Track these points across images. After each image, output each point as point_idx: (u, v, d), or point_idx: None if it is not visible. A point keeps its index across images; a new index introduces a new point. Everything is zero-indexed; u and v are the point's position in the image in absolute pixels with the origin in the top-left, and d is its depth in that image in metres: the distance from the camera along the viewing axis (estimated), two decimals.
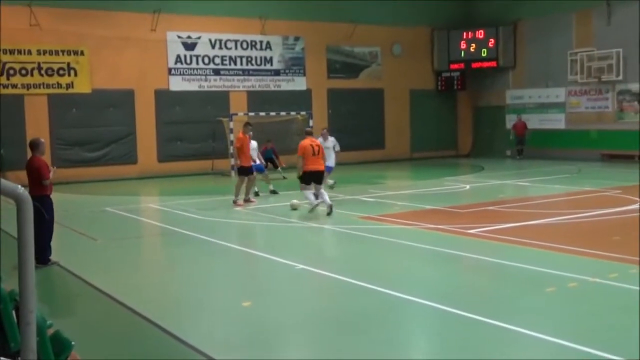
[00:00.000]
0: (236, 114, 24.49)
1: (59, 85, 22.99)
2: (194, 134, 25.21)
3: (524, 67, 29.43)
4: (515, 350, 5.86)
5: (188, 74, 25.26)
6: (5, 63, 22.04)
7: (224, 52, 25.92)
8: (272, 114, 25.06)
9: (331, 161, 16.84)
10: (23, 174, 10.17)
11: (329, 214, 13.67)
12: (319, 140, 15.65)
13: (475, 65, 30.29)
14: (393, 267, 9.34)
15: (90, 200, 18.38)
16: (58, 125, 22.94)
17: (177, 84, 25.06)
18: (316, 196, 14.17)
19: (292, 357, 6.12)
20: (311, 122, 25.00)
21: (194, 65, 25.35)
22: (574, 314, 6.82)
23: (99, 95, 23.51)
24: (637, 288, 7.50)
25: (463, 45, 30.26)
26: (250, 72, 26.49)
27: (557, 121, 28.33)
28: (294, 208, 14.84)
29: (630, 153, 25.05)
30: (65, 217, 13.69)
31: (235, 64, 26.16)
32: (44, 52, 22.68)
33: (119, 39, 23.71)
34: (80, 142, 23.36)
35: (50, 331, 3.50)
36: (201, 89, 25.51)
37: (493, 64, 29.88)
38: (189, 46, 25.23)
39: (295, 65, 27.46)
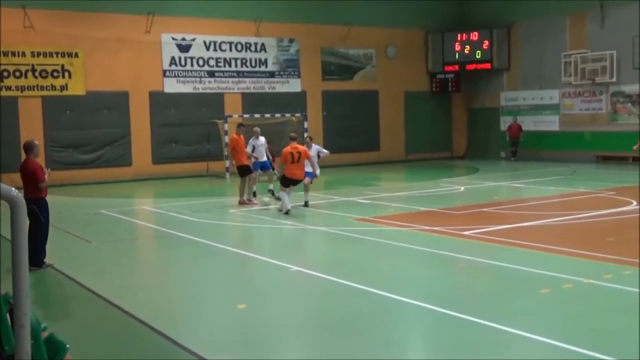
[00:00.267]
0: (231, 116, 24.49)
1: (53, 87, 22.94)
2: (189, 136, 25.18)
3: (518, 69, 29.50)
4: (510, 351, 5.87)
5: (183, 76, 25.24)
6: None
7: (219, 54, 25.91)
8: (267, 115, 25.06)
9: (314, 168, 16.35)
10: (17, 177, 10.13)
11: (283, 212, 14.40)
12: (305, 147, 15.65)
13: (469, 67, 30.35)
14: (388, 268, 9.34)
15: (84, 202, 18.33)
16: (52, 127, 22.88)
17: (172, 86, 25.03)
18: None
19: (288, 359, 6.12)
20: (306, 124, 25.02)
21: (188, 67, 25.33)
22: (568, 315, 6.83)
23: (94, 97, 23.46)
24: (632, 289, 7.53)
25: (457, 47, 30.31)
26: (245, 74, 26.48)
27: (551, 123, 28.40)
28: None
29: (624, 154, 25.11)
30: (60, 220, 13.66)
31: (230, 65, 26.15)
32: (38, 54, 22.63)
33: (114, 41, 23.68)
34: (74, 144, 23.31)
35: (45, 334, 3.49)
36: (196, 91, 25.49)
37: (487, 65, 29.94)
38: (184, 48, 25.21)
39: (290, 67, 27.47)
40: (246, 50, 26.46)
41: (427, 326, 6.83)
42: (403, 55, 29.95)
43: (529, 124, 29.02)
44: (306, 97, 27.74)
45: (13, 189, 2.70)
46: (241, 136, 16.38)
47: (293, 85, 27.54)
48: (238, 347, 6.25)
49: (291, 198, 14.99)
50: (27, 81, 22.51)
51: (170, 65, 24.97)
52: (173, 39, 24.96)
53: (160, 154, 24.87)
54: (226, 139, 23.82)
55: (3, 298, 3.73)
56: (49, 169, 10.29)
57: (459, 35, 30.23)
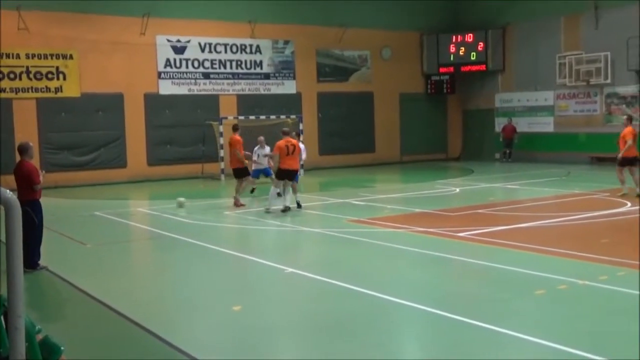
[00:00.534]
0: (226, 118, 24.48)
1: (48, 89, 22.89)
2: (184, 137, 25.16)
3: (513, 70, 29.56)
4: (505, 352, 5.87)
5: (177, 78, 25.21)
6: None
7: (214, 55, 25.90)
8: (262, 117, 25.06)
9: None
10: (11, 178, 10.10)
11: (282, 210, 14.76)
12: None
13: (464, 68, 30.41)
14: (383, 270, 9.34)
15: (79, 204, 18.30)
16: (47, 129, 22.83)
17: (167, 88, 25.01)
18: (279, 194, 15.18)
19: None
20: (301, 126, 25.01)
21: (183, 69, 25.30)
22: (563, 316, 6.84)
23: (88, 99, 23.42)
24: (627, 290, 7.55)
25: (452, 49, 30.36)
26: (240, 75, 26.47)
27: (545, 124, 28.46)
28: (180, 206, 16.04)
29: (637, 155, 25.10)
30: (55, 222, 13.62)
31: (225, 67, 26.14)
32: (33, 56, 22.58)
33: (108, 42, 23.64)
34: (69, 146, 23.26)
35: (40, 336, 3.48)
36: (191, 93, 25.47)
37: (482, 67, 29.99)
38: (179, 50, 25.19)
39: (285, 69, 27.47)
40: (241, 52, 26.45)
41: (422, 328, 6.83)
42: (398, 57, 29.98)
43: (523, 125, 29.08)
44: (301, 98, 27.75)
45: (7, 191, 2.69)
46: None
47: (288, 87, 27.54)
48: (232, 348, 6.25)
49: (288, 200, 15.03)
50: (22, 83, 22.46)
51: (165, 67, 24.94)
52: (168, 40, 24.94)
53: (155, 155, 24.84)
54: (221, 140, 23.88)
55: None
56: (44, 171, 10.26)
57: (454, 37, 30.29)
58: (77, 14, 23.01)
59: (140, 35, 24.23)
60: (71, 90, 23.24)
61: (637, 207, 13.84)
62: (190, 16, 25.05)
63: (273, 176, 17.57)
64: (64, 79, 23.11)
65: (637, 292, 7.34)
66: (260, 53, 26.84)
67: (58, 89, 23.05)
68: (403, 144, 30.58)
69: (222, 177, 23.56)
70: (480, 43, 29.74)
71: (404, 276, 9.04)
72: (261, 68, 26.90)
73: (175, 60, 25.12)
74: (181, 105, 25.16)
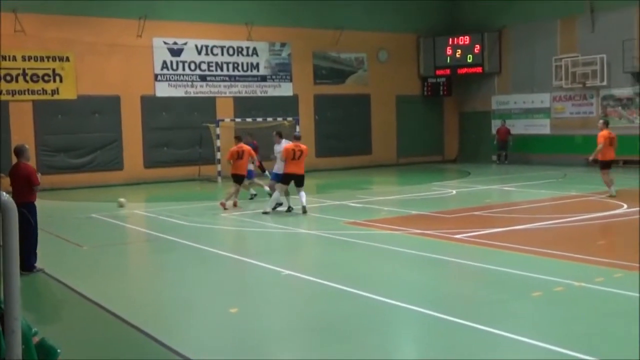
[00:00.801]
0: (223, 120, 24.50)
1: (44, 92, 22.86)
2: (181, 140, 25.14)
3: (510, 72, 29.60)
4: (501, 354, 5.87)
5: (174, 80, 25.20)
6: None
7: (211, 58, 25.89)
8: (259, 119, 25.06)
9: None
10: (6, 181, 10.09)
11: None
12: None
13: (461, 71, 30.44)
14: (379, 272, 9.34)
15: (76, 206, 18.27)
16: (43, 131, 22.79)
17: (163, 90, 24.99)
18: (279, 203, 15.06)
19: None
20: (298, 128, 25.01)
21: (180, 71, 25.30)
22: (560, 318, 6.85)
23: (85, 102, 23.40)
24: (623, 292, 7.57)
25: (449, 51, 30.39)
26: (237, 78, 26.47)
27: (542, 126, 28.50)
28: (120, 205, 16.34)
29: (615, 158, 25.13)
30: (51, 224, 13.61)
31: (221, 69, 26.14)
32: (29, 58, 22.55)
33: (105, 45, 23.62)
34: (65, 149, 23.23)
35: (36, 339, 3.48)
36: (187, 95, 25.46)
37: (479, 69, 30.03)
38: (175, 52, 25.18)
39: (282, 71, 27.48)
40: (238, 54, 26.46)
41: (419, 330, 6.84)
42: (395, 59, 30.02)
43: (520, 127, 29.12)
44: (298, 101, 27.75)
45: (4, 193, 2.69)
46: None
47: (285, 89, 27.54)
48: (229, 351, 6.24)
49: (287, 202, 15.07)
50: (18, 85, 22.43)
51: (161, 69, 24.93)
52: (165, 43, 24.93)
53: (151, 158, 24.82)
54: (218, 142, 23.93)
55: None
56: (40, 174, 10.25)
57: (451, 39, 30.32)
58: (73, 17, 22.99)
59: (136, 38, 24.22)
60: (68, 92, 23.21)
61: (633, 209, 13.86)
62: (187, 19, 25.05)
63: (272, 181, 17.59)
64: (61, 81, 23.09)
65: (633, 294, 7.35)
66: (257, 55, 26.85)
67: (54, 91, 23.02)
68: (400, 146, 30.60)
69: (219, 179, 23.55)
70: (476, 45, 29.79)
71: (401, 278, 9.04)
72: (258, 70, 26.90)
73: (172, 62, 25.11)
74: (178, 108, 25.15)
